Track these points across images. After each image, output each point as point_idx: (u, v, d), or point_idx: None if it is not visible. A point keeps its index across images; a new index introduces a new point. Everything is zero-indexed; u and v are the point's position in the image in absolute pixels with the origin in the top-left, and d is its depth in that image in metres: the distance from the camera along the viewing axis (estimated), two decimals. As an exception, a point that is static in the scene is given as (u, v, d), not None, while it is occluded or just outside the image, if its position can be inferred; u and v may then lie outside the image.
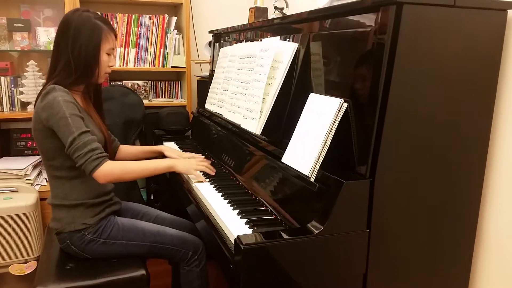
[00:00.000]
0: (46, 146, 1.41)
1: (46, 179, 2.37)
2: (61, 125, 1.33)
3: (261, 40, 1.68)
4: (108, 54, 1.49)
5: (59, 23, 1.45)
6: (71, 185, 1.46)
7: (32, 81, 2.40)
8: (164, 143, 2.19)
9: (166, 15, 2.63)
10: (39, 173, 2.40)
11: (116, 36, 1.51)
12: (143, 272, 1.45)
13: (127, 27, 2.57)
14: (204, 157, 1.75)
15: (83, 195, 1.46)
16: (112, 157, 1.63)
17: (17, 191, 2.20)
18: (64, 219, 1.45)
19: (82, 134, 1.34)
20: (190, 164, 1.56)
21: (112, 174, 1.37)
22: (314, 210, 1.10)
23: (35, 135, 1.43)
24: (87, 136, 1.35)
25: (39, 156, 2.47)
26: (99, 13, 1.51)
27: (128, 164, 1.44)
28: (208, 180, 1.56)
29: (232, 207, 1.32)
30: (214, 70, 2.11)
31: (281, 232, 1.03)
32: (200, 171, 1.59)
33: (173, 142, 2.21)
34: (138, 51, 2.60)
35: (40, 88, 2.36)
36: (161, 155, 1.85)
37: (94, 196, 1.48)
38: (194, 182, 1.55)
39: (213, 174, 1.59)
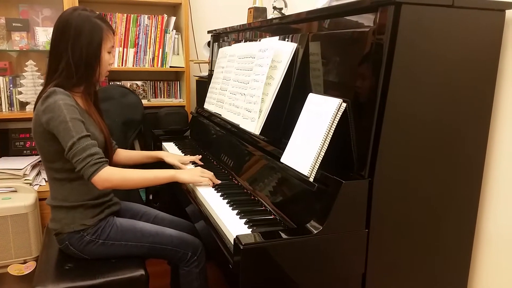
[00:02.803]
0: (46, 149, 1.41)
1: (45, 179, 2.37)
2: (61, 129, 1.32)
3: (260, 40, 1.67)
4: (109, 53, 1.49)
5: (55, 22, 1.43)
6: (71, 187, 1.45)
7: (31, 81, 2.39)
8: (163, 143, 2.19)
9: (165, 15, 2.63)
10: (38, 173, 2.40)
11: (114, 34, 1.51)
12: (142, 272, 1.45)
13: (125, 27, 2.57)
14: (202, 165, 1.74)
15: (82, 197, 1.46)
16: (111, 157, 1.62)
17: (16, 191, 2.19)
18: (64, 220, 1.45)
19: (81, 138, 1.32)
20: (194, 176, 1.51)
21: (110, 180, 1.35)
22: (313, 210, 1.10)
23: (35, 137, 1.42)
24: (87, 140, 1.33)
25: (38, 156, 2.46)
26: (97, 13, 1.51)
27: (128, 172, 1.41)
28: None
29: (231, 207, 1.32)
30: (213, 70, 2.11)
31: (280, 232, 1.03)
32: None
33: (172, 142, 2.20)
34: (137, 51, 2.60)
35: (39, 88, 2.41)
36: (161, 161, 1.81)
37: (93, 198, 1.48)
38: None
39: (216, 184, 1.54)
